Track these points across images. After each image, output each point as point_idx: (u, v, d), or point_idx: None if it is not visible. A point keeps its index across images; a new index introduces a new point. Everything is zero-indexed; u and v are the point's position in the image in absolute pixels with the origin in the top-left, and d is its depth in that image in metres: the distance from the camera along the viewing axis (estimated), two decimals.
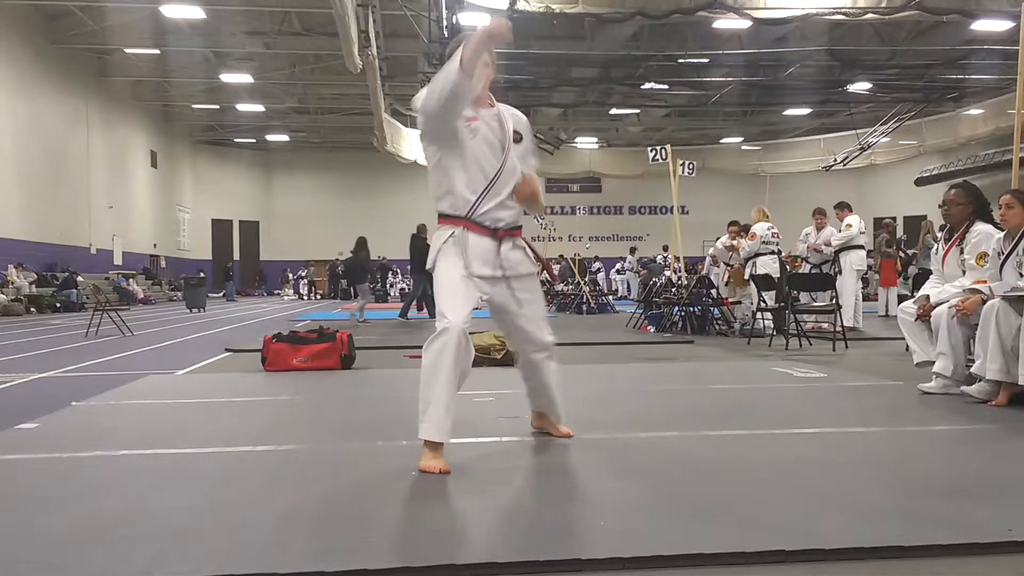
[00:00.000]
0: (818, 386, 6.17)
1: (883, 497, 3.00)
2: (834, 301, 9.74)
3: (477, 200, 3.55)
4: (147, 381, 6.73)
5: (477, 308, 3.58)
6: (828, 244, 11.84)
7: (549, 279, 13.83)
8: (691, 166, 14.37)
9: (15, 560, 2.39)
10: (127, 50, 26.29)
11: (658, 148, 14.38)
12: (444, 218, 3.62)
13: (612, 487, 3.18)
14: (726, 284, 12.77)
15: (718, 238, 14.04)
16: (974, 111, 30.54)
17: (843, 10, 19.47)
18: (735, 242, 12.60)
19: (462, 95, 3.38)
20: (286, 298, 35.72)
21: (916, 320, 5.68)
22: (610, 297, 22.88)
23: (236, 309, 24.50)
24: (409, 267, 18.38)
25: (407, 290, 29.08)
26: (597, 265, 32.10)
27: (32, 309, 20.77)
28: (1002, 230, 5.31)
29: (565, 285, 24.26)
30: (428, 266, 3.64)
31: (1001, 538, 2.50)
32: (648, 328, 12.60)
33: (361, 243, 17.07)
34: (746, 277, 11.78)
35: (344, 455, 3.79)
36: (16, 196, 23.01)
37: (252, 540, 2.57)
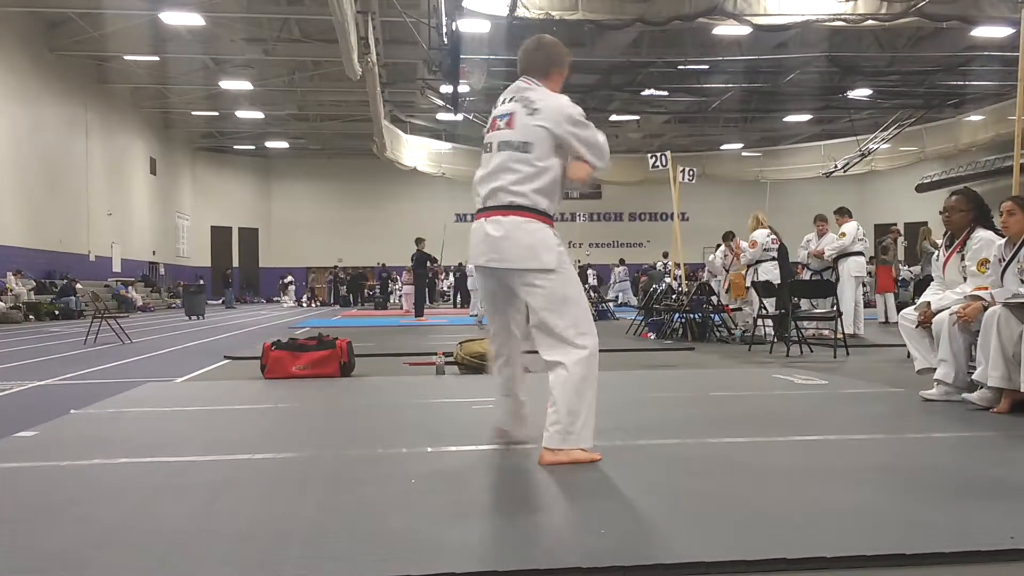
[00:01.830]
0: (819, 393, 6.15)
1: (885, 504, 2.99)
2: (835, 308, 9.73)
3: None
4: (146, 389, 6.71)
5: None
6: (820, 254, 11.83)
7: None
8: (691, 173, 14.37)
9: (14, 570, 2.37)
10: (126, 57, 26.33)
11: (658, 154, 14.39)
12: (548, 217, 3.62)
13: (612, 495, 3.17)
14: (727, 292, 12.77)
15: (718, 245, 14.04)
16: (974, 117, 30.61)
17: (843, 17, 19.53)
18: (736, 250, 12.61)
19: None
20: (285, 305, 35.72)
21: (917, 327, 5.66)
22: (611, 304, 22.86)
23: (235, 316, 24.50)
24: None
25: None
26: (591, 273, 31.97)
27: (31, 316, 20.75)
28: (1003, 236, 5.30)
29: None
30: (553, 265, 3.53)
31: (1003, 545, 2.48)
32: (648, 335, 12.59)
33: None
34: (747, 284, 11.77)
35: (343, 463, 3.77)
36: (15, 203, 23.01)
37: (252, 549, 2.55)
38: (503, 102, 3.72)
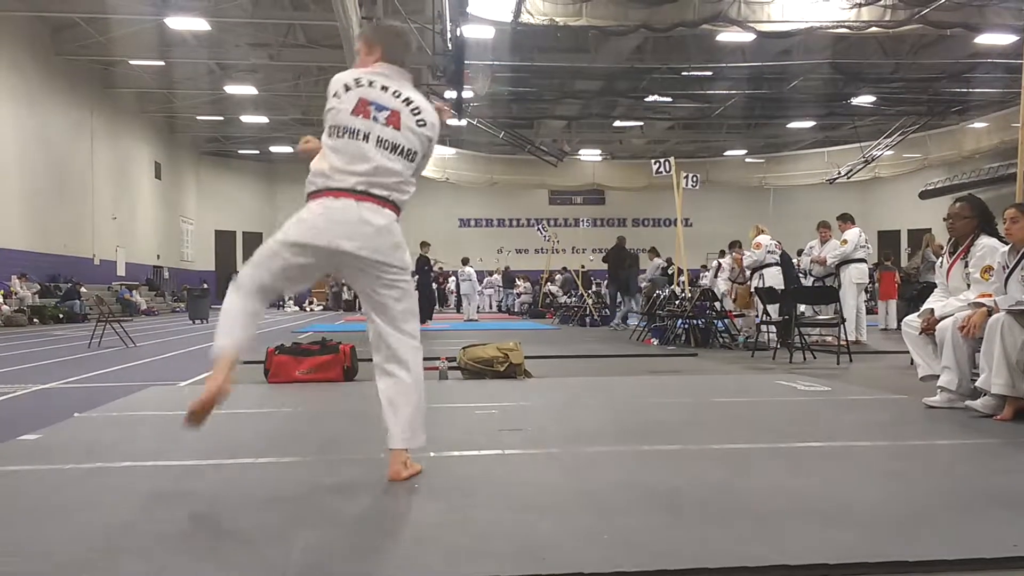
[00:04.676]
0: (822, 399, 6.15)
1: (887, 511, 2.99)
2: (838, 314, 9.73)
3: None
4: (149, 393, 6.72)
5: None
6: (823, 261, 11.84)
7: None
8: (695, 179, 14.38)
9: (17, 574, 2.38)
10: (132, 61, 26.37)
11: (662, 160, 14.41)
12: None
13: (615, 500, 3.16)
14: (733, 301, 12.76)
15: (721, 251, 14.04)
16: (978, 124, 30.58)
17: (847, 24, 19.53)
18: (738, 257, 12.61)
19: None
20: (288, 310, 35.73)
21: (921, 334, 5.66)
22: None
23: None
24: (608, 276, 18.89)
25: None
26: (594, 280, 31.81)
27: (35, 320, 20.77)
28: (1007, 243, 5.30)
29: (568, 297, 24.26)
30: (411, 267, 3.57)
31: (1006, 553, 2.49)
32: (651, 341, 12.59)
33: (633, 259, 18.34)
34: (751, 289, 11.77)
35: (346, 467, 3.78)
36: (20, 207, 23.05)
37: (254, 553, 2.56)
38: (373, 86, 3.45)
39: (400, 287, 3.47)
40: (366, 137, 3.39)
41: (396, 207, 3.45)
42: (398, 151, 3.43)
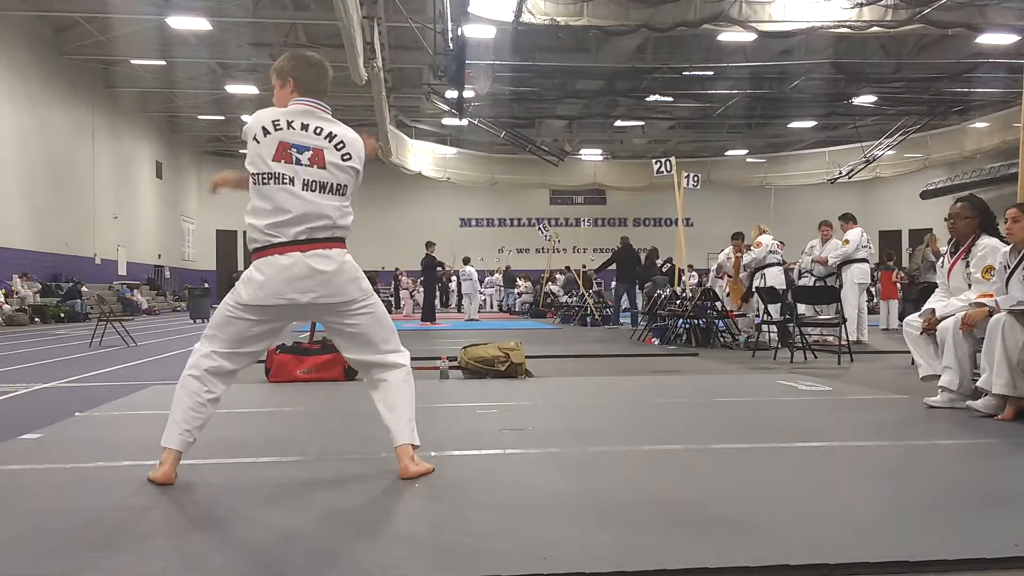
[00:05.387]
0: (823, 399, 6.15)
1: (888, 511, 2.99)
2: (839, 314, 9.73)
3: None
4: (150, 392, 6.72)
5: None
6: (824, 261, 11.84)
7: None
8: (696, 178, 14.37)
9: (18, 572, 2.38)
10: (133, 61, 26.37)
11: (663, 160, 14.40)
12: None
13: (615, 500, 3.17)
14: (726, 295, 12.76)
15: (722, 250, 14.03)
16: (979, 124, 30.54)
17: (848, 23, 19.50)
18: (739, 254, 12.58)
19: None
20: None
21: (922, 334, 5.66)
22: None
23: None
24: (617, 275, 18.85)
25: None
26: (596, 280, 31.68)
27: (36, 319, 20.78)
28: (1008, 243, 5.30)
29: (569, 297, 24.27)
30: (371, 290, 3.55)
31: (1007, 553, 2.49)
32: (652, 340, 12.58)
33: (650, 258, 18.49)
34: (752, 288, 11.75)
35: (348, 468, 3.78)
36: (21, 206, 23.06)
37: (255, 553, 2.56)
38: (292, 127, 3.43)
39: (368, 312, 3.52)
40: (291, 181, 3.37)
41: (341, 242, 3.46)
42: (327, 189, 3.41)
